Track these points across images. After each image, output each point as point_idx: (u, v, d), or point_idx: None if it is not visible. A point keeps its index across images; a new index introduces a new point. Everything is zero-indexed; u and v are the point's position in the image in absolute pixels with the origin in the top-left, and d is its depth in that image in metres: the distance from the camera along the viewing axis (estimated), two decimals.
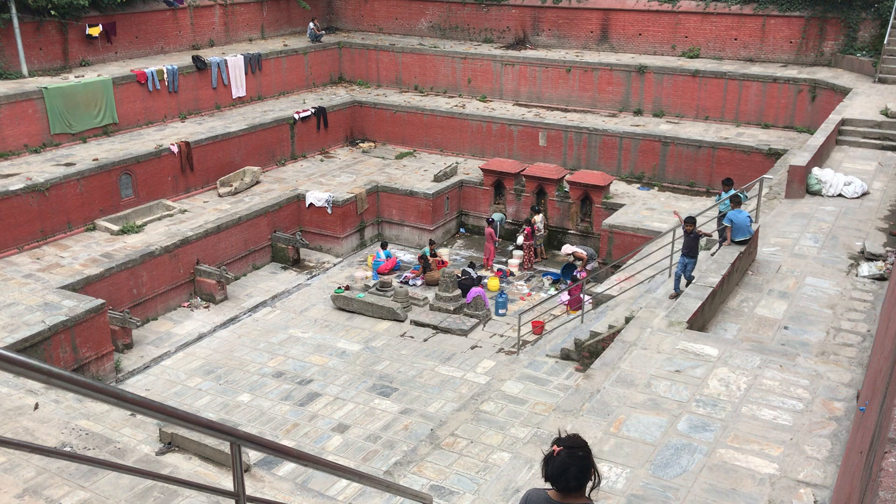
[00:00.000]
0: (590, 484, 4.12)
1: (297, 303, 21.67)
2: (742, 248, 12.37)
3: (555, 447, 4.16)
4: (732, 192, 15.69)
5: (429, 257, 23.02)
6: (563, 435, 4.23)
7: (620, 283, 17.02)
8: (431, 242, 23.76)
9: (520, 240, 23.99)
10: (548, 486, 4.16)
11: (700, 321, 10.91)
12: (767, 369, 9.23)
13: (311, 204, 24.56)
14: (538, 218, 24.15)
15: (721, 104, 26.86)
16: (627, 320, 13.68)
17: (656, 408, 8.45)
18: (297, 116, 28.04)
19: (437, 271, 22.62)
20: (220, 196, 24.34)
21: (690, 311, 10.65)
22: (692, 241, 12.51)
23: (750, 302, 11.79)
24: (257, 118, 27.25)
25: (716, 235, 13.56)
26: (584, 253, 22.26)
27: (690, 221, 12.61)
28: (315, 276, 23.42)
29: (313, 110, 28.81)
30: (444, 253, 24.49)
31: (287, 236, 23.93)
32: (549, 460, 4.13)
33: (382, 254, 23.76)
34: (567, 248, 22.57)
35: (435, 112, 29.51)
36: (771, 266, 13.07)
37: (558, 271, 23.43)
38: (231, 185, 24.84)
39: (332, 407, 16.36)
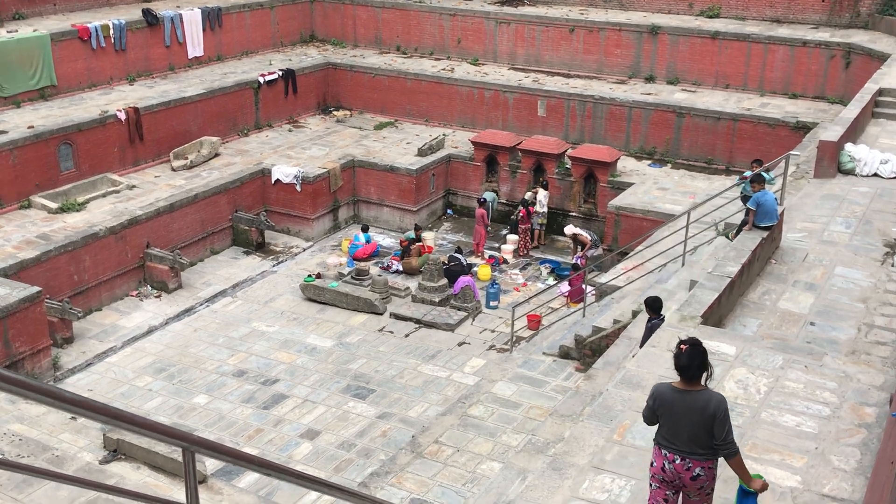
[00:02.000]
0: (705, 374, 6.34)
1: (261, 292, 21.63)
2: (765, 234, 12.44)
3: (682, 345, 6.39)
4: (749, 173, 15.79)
5: (414, 242, 23.03)
6: (685, 337, 6.50)
7: (627, 273, 17.10)
8: (417, 227, 23.75)
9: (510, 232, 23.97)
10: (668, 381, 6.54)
11: (716, 315, 10.99)
12: (791, 370, 9.31)
13: (277, 180, 24.50)
14: (542, 194, 24.14)
15: (743, 71, 26.94)
16: (635, 314, 13.75)
17: (639, 471, 8.50)
18: (262, 80, 27.89)
19: (414, 258, 22.63)
20: (173, 170, 24.21)
21: (706, 303, 10.72)
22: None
23: (772, 294, 11.87)
24: (216, 81, 27.09)
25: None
26: (588, 237, 22.30)
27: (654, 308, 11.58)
28: (282, 262, 23.39)
29: (281, 73, 28.65)
30: (428, 237, 24.49)
31: (250, 217, 23.85)
32: (678, 355, 6.37)
33: (362, 237, 23.72)
34: (570, 230, 22.60)
35: (419, 76, 29.39)
36: (797, 254, 13.16)
37: (558, 259, 23.49)
38: (186, 158, 24.70)
39: (300, 410, 16.36)
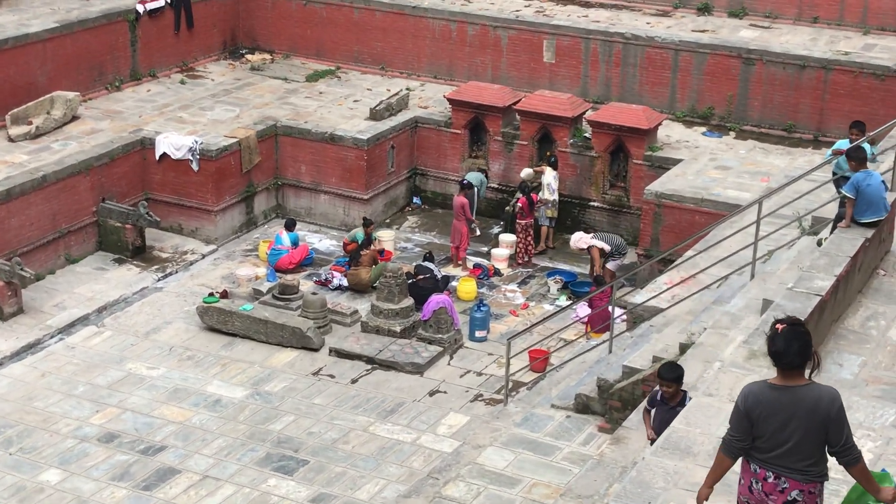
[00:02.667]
0: (810, 364, 6.75)
1: (140, 319, 21.48)
2: (870, 234, 12.50)
3: (778, 325, 6.81)
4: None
5: (364, 245, 22.99)
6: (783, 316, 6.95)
7: (673, 289, 17.13)
8: (367, 222, 23.72)
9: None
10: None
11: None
12: None
13: (164, 155, 24.34)
14: (550, 175, 24.13)
15: None
16: (684, 349, 13.77)
17: (727, 491, 8.52)
18: (141, 8, 27.72)
19: (365, 268, 22.54)
20: (10, 140, 24.01)
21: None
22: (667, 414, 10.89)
23: (881, 319, 11.91)
24: (74, 11, 26.83)
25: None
26: (605, 246, 22.34)
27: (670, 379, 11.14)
28: (171, 273, 23.25)
29: None
30: (386, 237, 24.43)
31: (124, 208, 23.67)
32: (773, 337, 6.80)
33: (287, 238, 23.64)
34: (578, 239, 22.61)
35: (372, 4, 29.32)
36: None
37: (573, 268, 23.51)
38: (30, 123, 24.50)
39: (197, 492, 16.18)
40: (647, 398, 11.57)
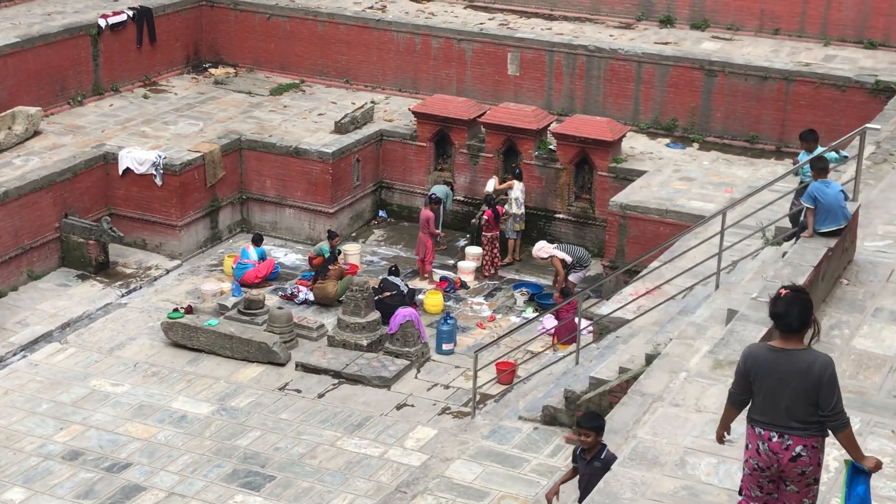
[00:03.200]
0: (810, 332, 7.28)
1: (104, 335, 21.38)
2: (832, 243, 12.59)
3: (781, 290, 7.37)
4: (817, 152, 15.96)
5: (337, 257, 22.97)
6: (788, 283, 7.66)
7: (638, 300, 17.19)
8: (332, 235, 23.68)
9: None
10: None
11: None
12: (872, 437, 9.39)
13: (127, 170, 24.27)
14: (517, 188, 24.21)
15: (800, 10, 27.39)
16: (650, 359, 13.82)
17: (695, 502, 8.54)
18: (103, 23, 27.65)
19: (333, 282, 22.51)
20: None
21: (750, 343, 10.78)
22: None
23: (844, 328, 11.99)
24: (36, 25, 26.76)
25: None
26: (567, 257, 22.38)
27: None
28: (135, 289, 23.18)
29: (131, 12, 28.47)
30: (352, 251, 24.40)
31: (87, 224, 23.57)
32: (775, 301, 7.34)
33: (253, 252, 23.57)
34: (539, 248, 22.65)
35: (336, 18, 29.34)
36: (878, 271, 13.33)
37: (539, 281, 23.56)
38: None
39: None
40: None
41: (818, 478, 7.42)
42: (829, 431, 7.31)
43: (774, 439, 7.28)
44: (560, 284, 22.27)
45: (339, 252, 23.53)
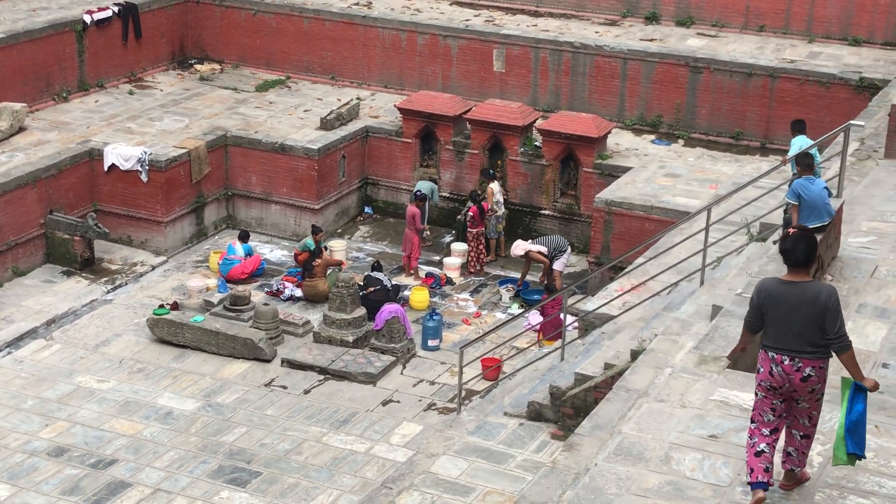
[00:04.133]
0: (814, 266, 8.26)
1: (89, 332, 21.35)
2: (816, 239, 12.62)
3: (790, 230, 8.43)
4: (801, 143, 16.00)
5: (322, 252, 22.95)
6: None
7: (624, 296, 17.21)
8: (316, 230, 23.66)
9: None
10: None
11: (750, 355, 11.11)
12: None
13: (112, 166, 24.23)
14: (494, 188, 24.25)
15: (785, 7, 27.47)
16: (635, 355, 13.83)
17: (680, 497, 8.56)
18: (88, 19, 27.58)
19: (321, 279, 22.50)
20: None
21: (734, 339, 10.79)
22: None
23: None
24: (21, 21, 26.67)
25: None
26: (543, 248, 22.37)
27: None
28: (120, 286, 23.13)
29: (117, 8, 28.39)
30: (337, 247, 24.39)
31: (72, 221, 23.51)
32: (784, 239, 8.35)
33: (240, 249, 23.53)
34: (516, 246, 22.65)
35: (322, 14, 29.32)
36: (861, 267, 13.38)
37: (525, 276, 23.59)
38: None
39: None
40: None
41: (824, 392, 8.35)
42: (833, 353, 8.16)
43: (786, 362, 8.14)
44: (544, 275, 22.31)
45: (325, 247, 23.47)
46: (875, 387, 8.20)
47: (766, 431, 8.33)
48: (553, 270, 22.36)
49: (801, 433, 8.45)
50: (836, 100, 24.64)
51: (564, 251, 22.61)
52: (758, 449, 8.32)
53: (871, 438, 9.34)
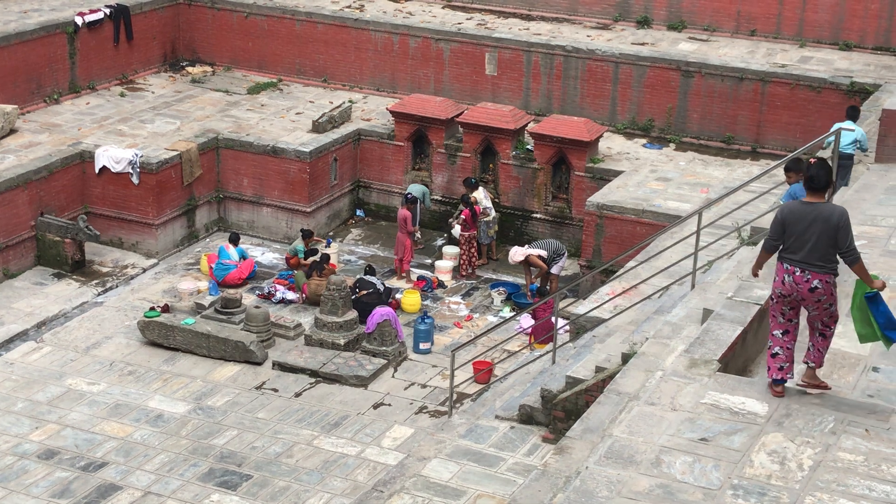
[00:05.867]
0: (830, 190, 9.99)
1: (80, 334, 21.32)
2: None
3: (811, 160, 10.82)
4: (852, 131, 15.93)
5: (327, 257, 22.99)
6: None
7: (615, 300, 17.22)
8: (306, 233, 23.63)
9: (456, 230, 24.09)
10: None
11: (740, 359, 11.08)
12: (846, 436, 9.42)
13: (104, 168, 24.22)
14: (479, 195, 24.25)
15: (776, 11, 27.53)
16: (626, 359, 13.83)
17: (670, 500, 8.56)
18: (79, 20, 27.57)
19: (321, 280, 22.49)
20: None
21: (725, 342, 10.78)
22: None
23: None
24: (12, 23, 26.68)
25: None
26: (543, 252, 22.40)
27: None
28: (111, 288, 23.12)
29: (108, 10, 28.42)
30: (329, 250, 24.39)
31: (63, 222, 23.50)
32: (808, 167, 9.77)
33: (234, 252, 23.51)
34: (514, 253, 22.64)
35: (314, 17, 29.33)
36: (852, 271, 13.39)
37: (517, 280, 23.59)
38: None
39: None
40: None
41: (833, 303, 9.58)
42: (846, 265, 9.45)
43: (797, 273, 9.46)
44: (541, 276, 22.35)
45: (308, 253, 23.47)
46: (883, 286, 9.52)
47: (778, 333, 9.77)
48: (550, 274, 22.38)
49: (819, 331, 9.80)
50: (827, 104, 24.67)
51: (562, 255, 22.66)
52: (773, 352, 9.80)
53: (860, 442, 9.36)
